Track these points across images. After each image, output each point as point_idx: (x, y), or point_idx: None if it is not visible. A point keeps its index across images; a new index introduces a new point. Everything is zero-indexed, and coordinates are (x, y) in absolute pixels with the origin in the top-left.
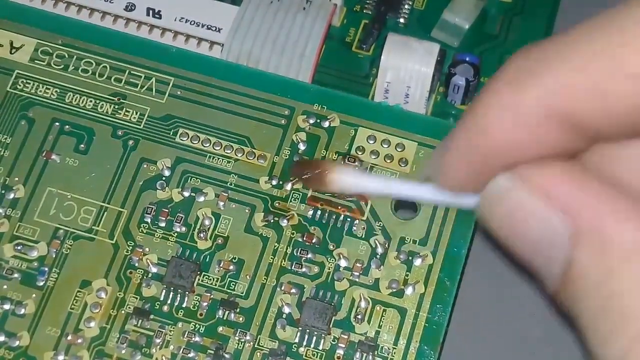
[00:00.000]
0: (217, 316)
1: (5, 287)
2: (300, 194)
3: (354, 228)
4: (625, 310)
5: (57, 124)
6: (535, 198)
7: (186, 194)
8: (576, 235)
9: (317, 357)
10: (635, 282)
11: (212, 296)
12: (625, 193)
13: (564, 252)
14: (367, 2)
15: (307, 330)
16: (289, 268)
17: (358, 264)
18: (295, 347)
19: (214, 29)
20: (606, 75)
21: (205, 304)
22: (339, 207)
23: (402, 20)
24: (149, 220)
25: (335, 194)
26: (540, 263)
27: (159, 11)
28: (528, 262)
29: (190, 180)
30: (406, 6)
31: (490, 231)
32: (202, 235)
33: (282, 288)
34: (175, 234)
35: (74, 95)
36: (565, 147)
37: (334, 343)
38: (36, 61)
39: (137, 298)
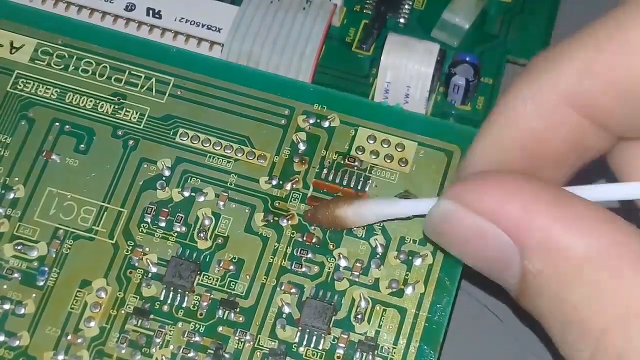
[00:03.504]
0: (217, 316)
1: (5, 287)
2: (300, 193)
3: (354, 228)
4: (584, 321)
5: (57, 124)
6: (479, 220)
7: (186, 193)
8: (525, 251)
9: (317, 356)
10: (589, 291)
11: (212, 296)
12: (582, 199)
13: (517, 267)
14: (367, 2)
15: (307, 330)
16: (289, 268)
17: (358, 264)
18: (295, 346)
19: (214, 29)
20: (615, 58)
21: (205, 303)
22: None
23: (402, 20)
24: (148, 220)
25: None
26: (495, 277)
27: (159, 11)
28: (485, 274)
29: (190, 180)
30: (406, 6)
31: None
32: (202, 235)
33: (282, 288)
34: (175, 233)
35: (74, 95)
36: (589, 143)
37: (333, 343)
38: (36, 61)
39: (137, 298)
